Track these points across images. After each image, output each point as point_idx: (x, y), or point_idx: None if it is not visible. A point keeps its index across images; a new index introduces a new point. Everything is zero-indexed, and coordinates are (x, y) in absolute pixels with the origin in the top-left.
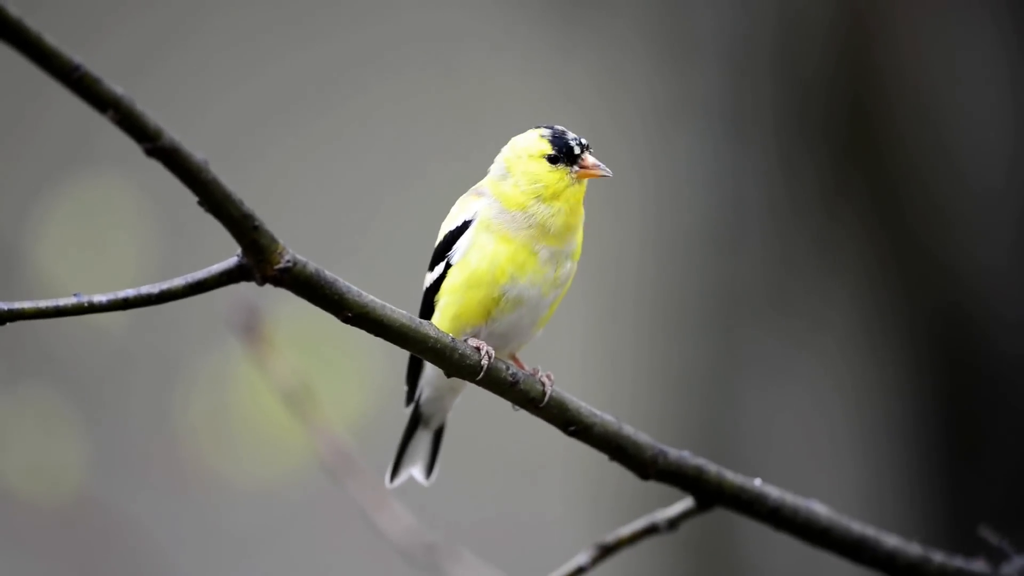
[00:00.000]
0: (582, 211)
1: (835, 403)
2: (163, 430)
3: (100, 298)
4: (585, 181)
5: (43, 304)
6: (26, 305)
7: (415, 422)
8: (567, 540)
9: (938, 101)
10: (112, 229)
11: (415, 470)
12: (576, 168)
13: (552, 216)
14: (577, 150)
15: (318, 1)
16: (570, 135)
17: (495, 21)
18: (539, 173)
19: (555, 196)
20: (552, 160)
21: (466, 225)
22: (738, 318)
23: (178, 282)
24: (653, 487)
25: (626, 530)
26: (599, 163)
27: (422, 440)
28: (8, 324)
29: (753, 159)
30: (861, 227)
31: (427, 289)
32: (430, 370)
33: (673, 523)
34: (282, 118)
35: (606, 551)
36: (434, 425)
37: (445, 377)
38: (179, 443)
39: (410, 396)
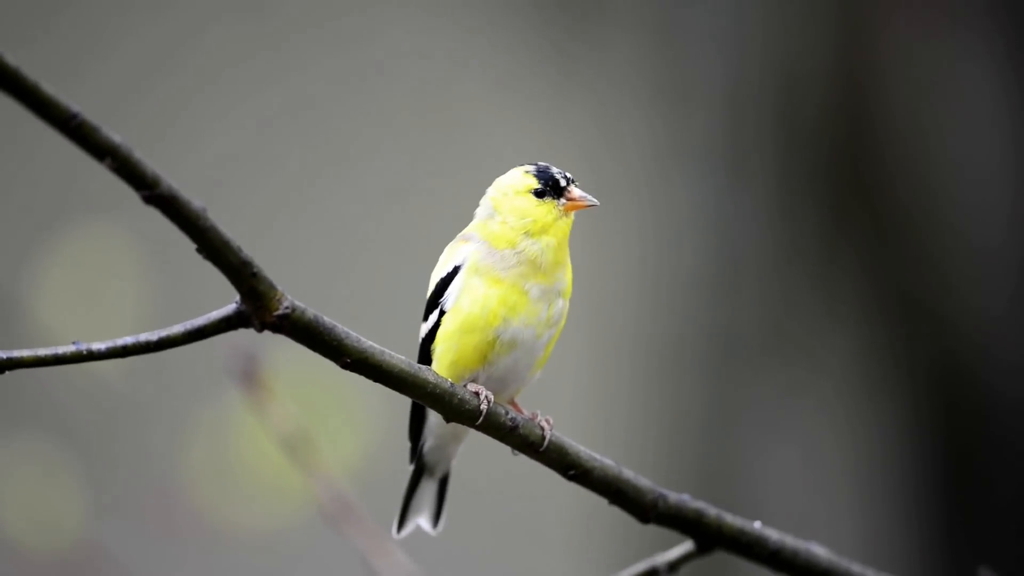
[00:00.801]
0: (567, 248)
1: (834, 445)
2: (162, 478)
3: (99, 346)
4: (572, 215)
5: (42, 352)
6: (25, 353)
7: (419, 472)
8: None
9: (936, 148)
10: (110, 277)
11: (422, 519)
12: (563, 201)
13: (542, 251)
14: (563, 183)
15: (314, 34)
16: (555, 169)
17: (493, 60)
18: (527, 208)
19: (544, 230)
20: (539, 194)
21: (456, 271)
22: (737, 361)
23: (177, 329)
24: (653, 530)
25: (626, 573)
26: (586, 194)
27: (427, 489)
28: (7, 373)
29: (752, 202)
30: (860, 271)
31: (423, 339)
32: (433, 419)
33: (673, 566)
34: (275, 151)
35: None
36: (438, 473)
37: (446, 424)
38: (178, 491)
39: (413, 452)
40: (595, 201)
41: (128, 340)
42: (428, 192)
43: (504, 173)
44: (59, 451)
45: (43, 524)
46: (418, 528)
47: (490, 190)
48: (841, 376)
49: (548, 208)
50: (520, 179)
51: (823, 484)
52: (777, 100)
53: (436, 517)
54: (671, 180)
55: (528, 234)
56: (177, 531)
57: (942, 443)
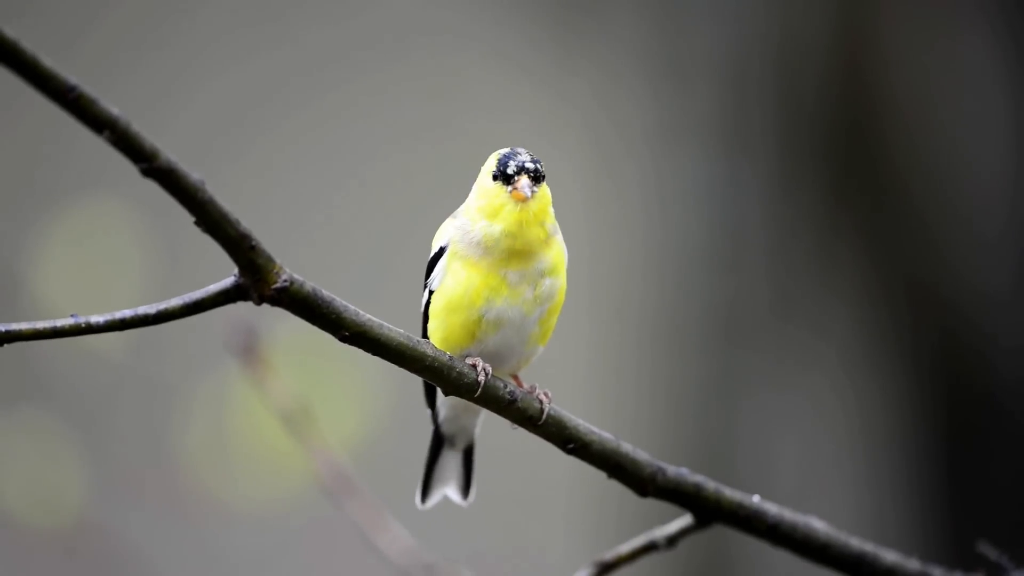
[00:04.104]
0: (540, 236)
1: (835, 420)
2: (161, 453)
3: (97, 319)
4: (530, 204)
5: (40, 325)
6: (24, 326)
7: (439, 442)
8: (566, 557)
9: (937, 125)
10: (109, 250)
11: (449, 490)
12: (510, 189)
13: (496, 239)
14: (511, 171)
15: (313, 2)
16: (519, 158)
17: (494, 32)
18: (485, 188)
19: (494, 214)
20: (494, 178)
21: (442, 252)
22: (737, 336)
23: (175, 302)
24: (652, 504)
25: (625, 547)
26: (523, 187)
27: (451, 460)
28: (6, 346)
29: (753, 178)
30: (861, 248)
31: (422, 313)
32: None
33: (672, 540)
34: (272, 123)
35: (605, 568)
36: (460, 445)
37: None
38: (178, 466)
39: (433, 416)
40: (526, 195)
41: (127, 313)
42: (428, 165)
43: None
44: (59, 425)
45: (43, 499)
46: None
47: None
48: (842, 352)
49: (498, 193)
50: (491, 160)
51: (822, 459)
52: (778, 75)
53: (465, 488)
54: (673, 155)
55: (483, 214)
56: (177, 506)
57: (943, 420)
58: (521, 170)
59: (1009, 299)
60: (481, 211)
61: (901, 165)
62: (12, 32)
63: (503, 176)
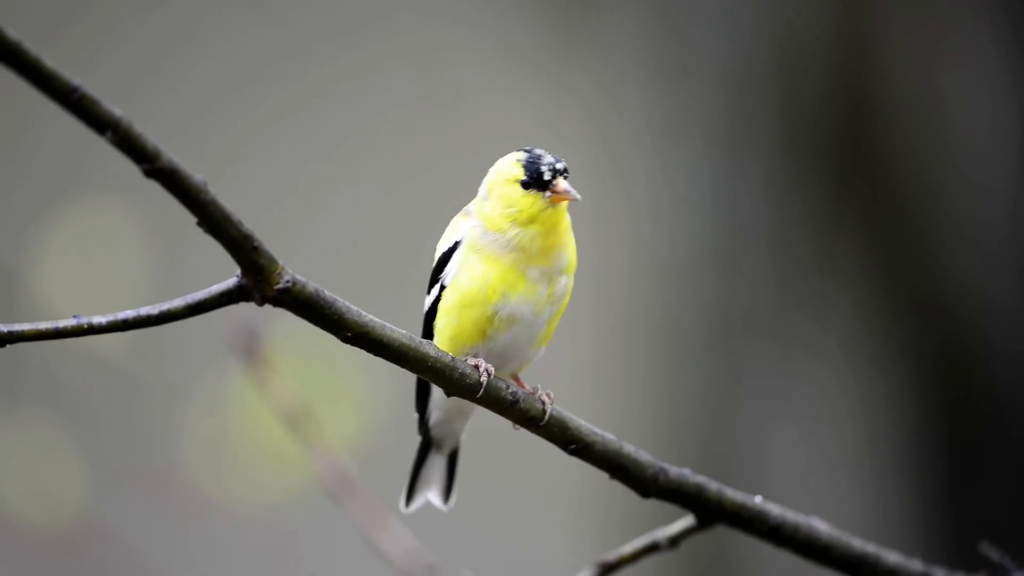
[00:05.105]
0: (566, 229)
1: (836, 420)
2: (162, 453)
3: (100, 319)
4: (564, 203)
5: (43, 326)
6: (26, 327)
7: (426, 446)
8: (568, 558)
9: (939, 124)
10: (112, 251)
11: (432, 494)
12: (548, 193)
13: (531, 240)
14: (548, 176)
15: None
16: (545, 160)
17: (497, 25)
18: (513, 197)
19: (530, 220)
20: (525, 185)
21: (456, 246)
22: (738, 337)
23: (178, 303)
24: (654, 505)
25: (627, 548)
26: (570, 188)
27: (436, 464)
28: (8, 346)
29: (752, 178)
30: (863, 248)
31: (426, 312)
32: (437, 393)
33: (674, 541)
34: (269, 119)
35: (607, 569)
36: (447, 448)
37: (451, 399)
38: (179, 466)
39: (420, 423)
40: (577, 196)
41: (129, 314)
42: (431, 160)
43: (508, 148)
44: (60, 426)
45: (44, 500)
46: (420, 507)
47: (491, 170)
48: (843, 351)
49: (532, 200)
50: (510, 168)
51: (824, 459)
52: (780, 74)
53: (447, 492)
54: (674, 154)
55: (515, 222)
56: (178, 506)
57: (946, 420)
58: (556, 173)
59: (1009, 298)
60: (511, 219)
61: (903, 163)
62: (14, 33)
63: (537, 183)
